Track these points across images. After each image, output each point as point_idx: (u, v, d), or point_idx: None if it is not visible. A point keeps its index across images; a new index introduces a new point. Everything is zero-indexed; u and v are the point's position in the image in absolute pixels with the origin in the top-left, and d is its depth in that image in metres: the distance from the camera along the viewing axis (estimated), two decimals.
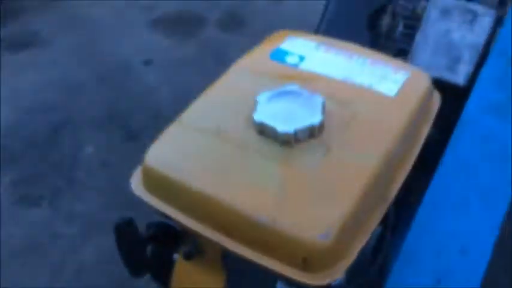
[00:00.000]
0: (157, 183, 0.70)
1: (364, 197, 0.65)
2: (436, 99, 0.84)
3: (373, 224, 0.67)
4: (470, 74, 0.98)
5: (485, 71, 0.96)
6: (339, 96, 0.77)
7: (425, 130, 0.79)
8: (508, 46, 0.98)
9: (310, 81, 0.80)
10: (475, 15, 0.99)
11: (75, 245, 1.68)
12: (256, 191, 0.65)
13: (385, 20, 1.04)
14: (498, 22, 1.01)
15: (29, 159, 1.94)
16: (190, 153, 0.71)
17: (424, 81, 0.81)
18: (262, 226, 0.62)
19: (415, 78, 0.81)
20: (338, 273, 0.62)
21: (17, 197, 1.83)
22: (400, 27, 1.08)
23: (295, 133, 0.68)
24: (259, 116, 0.70)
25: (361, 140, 0.71)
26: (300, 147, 0.69)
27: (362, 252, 0.73)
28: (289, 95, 0.74)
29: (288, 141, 0.69)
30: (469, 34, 0.99)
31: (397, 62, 0.84)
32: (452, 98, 0.98)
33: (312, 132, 0.70)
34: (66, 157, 1.94)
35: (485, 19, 0.99)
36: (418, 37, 1.03)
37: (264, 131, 0.70)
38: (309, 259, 0.61)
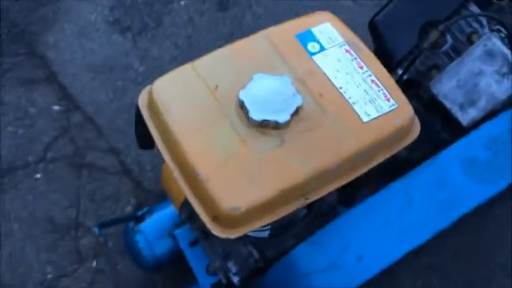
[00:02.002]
0: (152, 108, 0.90)
1: (281, 193, 0.81)
2: (414, 131, 0.92)
3: (283, 212, 0.84)
4: (475, 120, 1.02)
5: (487, 125, 1.00)
6: (322, 101, 0.88)
7: (381, 157, 0.90)
8: None
9: (311, 75, 0.91)
10: (511, 71, 0.99)
11: (138, 81, 1.97)
12: (210, 152, 0.83)
13: (433, 35, 1.06)
14: None
15: None
16: (185, 98, 0.88)
17: (404, 117, 0.90)
18: (198, 179, 0.81)
19: (398, 112, 0.89)
20: (238, 234, 0.82)
21: (110, 20, 2.10)
22: (447, 46, 1.09)
23: (261, 122, 0.83)
24: (243, 94, 0.85)
25: (310, 148, 0.84)
26: (262, 132, 0.84)
27: (290, 220, 0.93)
28: (279, 85, 0.86)
29: (254, 125, 0.84)
30: (495, 85, 1.00)
31: (395, 90, 0.91)
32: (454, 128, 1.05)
33: (276, 126, 0.84)
34: (160, 1, 2.14)
35: None
36: (453, 64, 1.05)
37: (241, 108, 0.85)
38: (218, 218, 0.81)
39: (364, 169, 0.89)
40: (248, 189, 0.81)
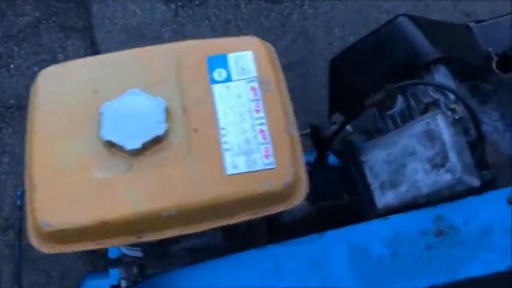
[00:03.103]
0: (31, 96, 0.87)
1: (103, 225, 0.75)
2: (294, 198, 0.79)
3: (110, 244, 0.77)
4: (390, 207, 0.85)
5: (397, 218, 0.83)
6: (193, 138, 0.79)
7: (243, 217, 0.78)
8: (444, 215, 0.81)
9: (198, 105, 0.81)
10: (443, 164, 0.80)
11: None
12: (52, 159, 0.78)
13: (379, 94, 0.87)
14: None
15: None
16: (61, 95, 0.84)
17: (277, 181, 0.77)
18: (30, 184, 0.77)
19: (271, 174, 0.77)
20: (51, 251, 0.77)
21: None
22: (394, 110, 0.91)
23: (109, 142, 0.76)
24: (105, 107, 0.78)
25: (154, 185, 0.76)
26: (112, 153, 0.77)
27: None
28: (148, 107, 0.78)
29: (105, 144, 0.77)
30: (422, 174, 0.82)
31: (283, 149, 0.78)
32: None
33: (125, 151, 0.76)
34: None
35: (447, 176, 0.80)
36: (391, 134, 0.88)
37: (100, 120, 0.79)
38: (36, 231, 0.76)
39: (219, 223, 0.79)
40: (68, 210, 0.75)
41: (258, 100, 0.83)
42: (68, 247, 0.77)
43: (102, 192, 0.76)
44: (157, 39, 2.05)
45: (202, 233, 0.89)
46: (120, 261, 1.10)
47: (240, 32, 2.03)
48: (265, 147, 0.79)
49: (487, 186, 0.83)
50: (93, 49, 1.99)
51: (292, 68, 2.00)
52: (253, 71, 0.85)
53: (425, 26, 0.94)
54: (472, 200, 0.82)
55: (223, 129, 0.81)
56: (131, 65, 0.86)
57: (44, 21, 2.06)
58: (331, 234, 0.85)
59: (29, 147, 0.81)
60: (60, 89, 0.85)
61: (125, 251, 0.95)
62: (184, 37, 2.07)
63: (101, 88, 0.83)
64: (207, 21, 2.05)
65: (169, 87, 0.83)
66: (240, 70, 0.86)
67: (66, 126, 0.81)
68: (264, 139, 0.80)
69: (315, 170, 1.06)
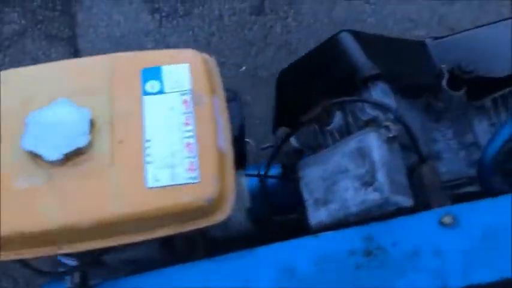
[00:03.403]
0: None
1: (19, 235, 0.74)
2: (219, 214, 0.78)
3: (30, 254, 0.77)
4: (323, 225, 0.83)
5: (326, 236, 0.81)
6: (116, 150, 0.78)
7: (164, 231, 0.77)
8: (373, 235, 0.78)
9: (127, 117, 0.81)
10: (371, 183, 0.78)
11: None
12: None
13: (315, 110, 0.86)
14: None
15: None
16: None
17: (199, 196, 0.76)
18: None
19: (194, 188, 0.76)
20: None
21: None
22: (333, 126, 0.90)
23: (30, 152, 0.76)
24: (31, 116, 0.78)
25: (70, 198, 0.75)
26: (34, 162, 0.77)
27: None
28: (73, 118, 0.78)
29: (27, 154, 0.77)
30: (351, 192, 0.80)
31: (209, 164, 0.77)
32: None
33: (45, 162, 0.76)
34: None
35: (375, 195, 0.77)
36: (328, 149, 0.86)
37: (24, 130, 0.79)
38: None
39: (141, 237, 0.78)
40: None
41: (189, 113, 0.82)
42: None
43: (21, 202, 0.75)
44: (139, 49, 2.06)
45: (135, 245, 0.89)
46: (70, 270, 1.10)
47: (223, 43, 2.04)
48: (191, 161, 0.78)
49: (421, 207, 0.81)
50: (77, 57, 2.01)
51: (273, 80, 2.00)
52: (187, 84, 0.84)
53: (369, 42, 0.92)
54: (403, 220, 0.80)
55: (148, 141, 0.80)
56: (65, 75, 0.86)
57: (30, 29, 2.09)
58: (262, 251, 0.83)
59: None
60: (2, 95, 0.85)
61: (62, 259, 0.95)
62: (167, 48, 2.09)
63: (32, 97, 0.83)
64: (190, 32, 2.06)
65: (98, 98, 0.82)
66: (174, 83, 0.85)
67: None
68: (190, 153, 0.79)
69: (279, 182, 1.05)
